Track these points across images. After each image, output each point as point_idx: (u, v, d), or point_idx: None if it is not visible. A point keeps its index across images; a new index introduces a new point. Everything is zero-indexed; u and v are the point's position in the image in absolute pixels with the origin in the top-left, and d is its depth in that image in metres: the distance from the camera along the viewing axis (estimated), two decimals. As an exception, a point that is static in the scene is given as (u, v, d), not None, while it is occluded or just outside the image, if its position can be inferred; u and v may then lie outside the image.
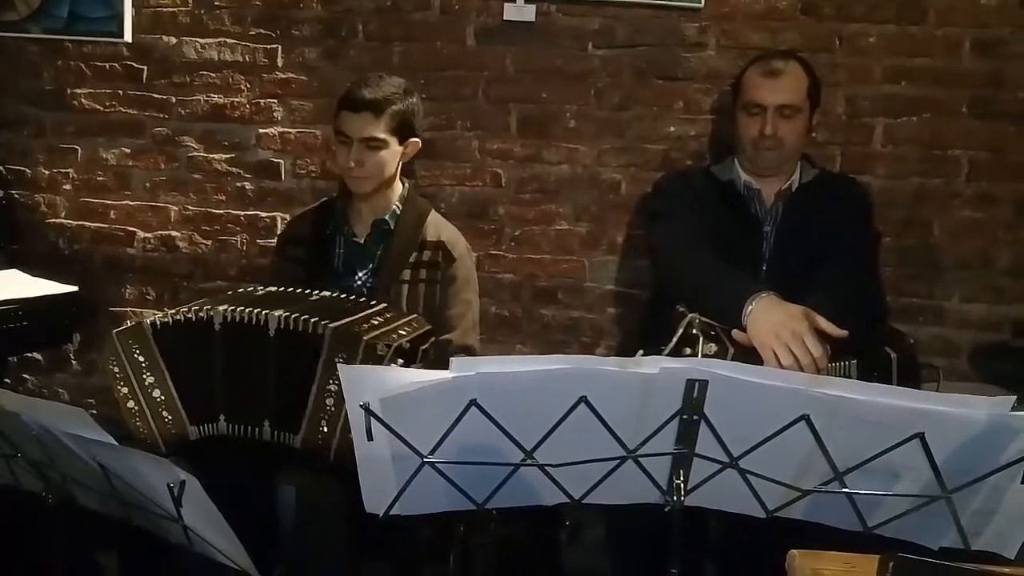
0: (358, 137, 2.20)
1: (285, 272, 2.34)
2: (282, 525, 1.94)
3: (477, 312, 2.37)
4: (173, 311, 1.94)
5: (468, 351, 2.28)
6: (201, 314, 1.92)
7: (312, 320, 1.86)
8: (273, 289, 2.11)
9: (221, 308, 1.91)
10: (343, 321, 1.88)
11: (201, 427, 1.94)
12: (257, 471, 1.96)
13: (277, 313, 1.88)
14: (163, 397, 1.92)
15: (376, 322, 1.91)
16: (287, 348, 1.88)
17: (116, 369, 1.92)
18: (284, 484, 2.00)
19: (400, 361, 1.84)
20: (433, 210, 2.40)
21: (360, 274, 2.31)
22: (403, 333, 1.89)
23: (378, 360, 1.80)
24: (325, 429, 1.85)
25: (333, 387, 1.84)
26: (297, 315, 1.88)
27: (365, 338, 1.83)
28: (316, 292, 2.06)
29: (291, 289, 2.08)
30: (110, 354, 1.92)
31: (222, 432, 1.93)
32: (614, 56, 2.70)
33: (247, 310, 1.90)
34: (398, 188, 2.35)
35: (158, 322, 1.92)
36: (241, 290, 2.31)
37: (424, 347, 1.95)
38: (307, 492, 1.94)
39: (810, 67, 2.34)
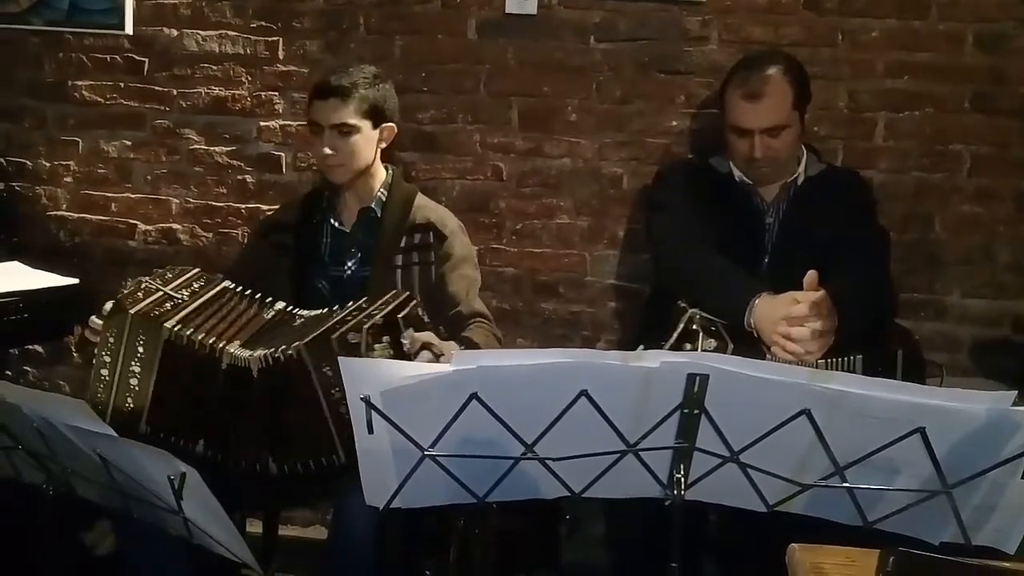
0: (328, 124, 2.21)
1: (269, 259, 2.32)
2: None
3: (478, 284, 2.35)
4: (188, 328, 1.91)
5: (481, 315, 2.27)
6: (207, 350, 1.89)
7: (283, 349, 1.85)
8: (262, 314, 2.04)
9: (232, 350, 1.88)
10: (312, 335, 1.85)
11: (163, 436, 1.91)
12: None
13: (258, 353, 1.86)
14: (137, 389, 1.92)
15: (350, 319, 1.86)
16: (275, 384, 1.86)
17: (111, 340, 1.92)
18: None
19: (385, 339, 1.82)
20: (419, 192, 2.39)
21: (349, 264, 2.30)
22: (374, 313, 1.86)
23: (355, 348, 1.78)
24: None
25: (338, 394, 1.81)
26: (273, 350, 1.86)
27: (333, 336, 1.81)
28: (299, 314, 2.02)
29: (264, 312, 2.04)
30: (115, 325, 1.92)
31: (199, 455, 1.88)
32: (616, 50, 2.70)
33: (270, 353, 1.86)
34: (381, 175, 2.35)
35: (174, 336, 1.90)
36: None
37: (402, 315, 1.89)
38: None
39: (795, 69, 2.28)
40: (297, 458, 1.87)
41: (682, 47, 2.68)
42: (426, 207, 2.35)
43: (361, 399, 1.28)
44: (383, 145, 2.32)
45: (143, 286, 1.99)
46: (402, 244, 2.27)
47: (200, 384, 1.91)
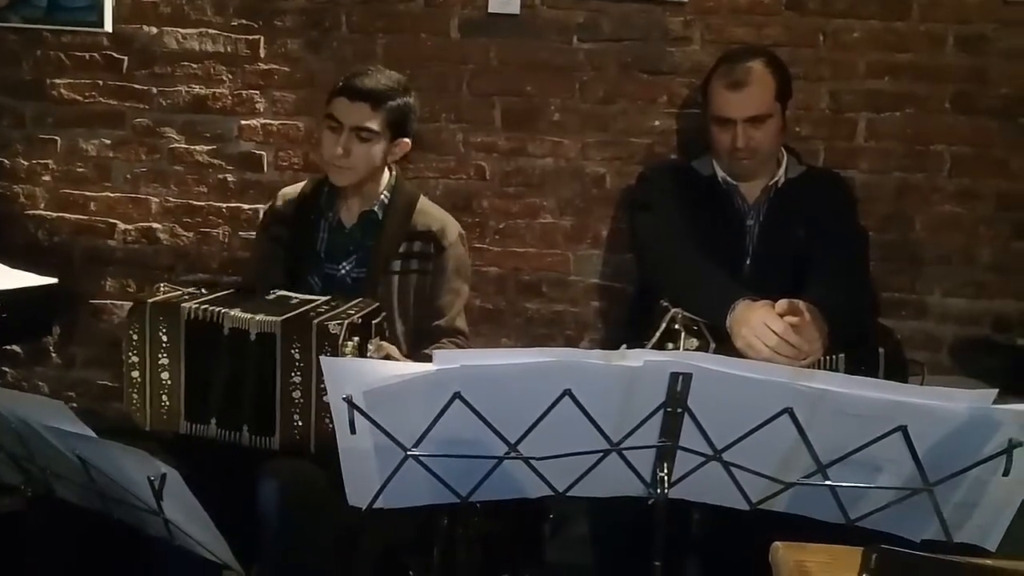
0: (350, 125, 2.17)
1: (268, 252, 2.33)
2: (264, 518, 1.93)
3: (465, 298, 2.35)
4: (200, 303, 1.93)
5: (460, 333, 2.29)
6: (211, 317, 1.91)
7: (258, 318, 1.88)
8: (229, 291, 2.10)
9: (232, 313, 1.90)
10: (290, 314, 1.89)
11: (193, 425, 1.93)
12: (238, 464, 1.95)
13: (259, 317, 1.89)
14: (169, 382, 1.92)
15: (323, 309, 1.92)
16: (264, 352, 1.88)
17: (135, 337, 1.92)
18: (266, 477, 1.95)
19: (356, 339, 1.85)
20: (422, 196, 2.36)
21: (344, 263, 2.26)
22: (352, 312, 1.91)
23: (333, 339, 1.82)
24: (300, 423, 1.85)
25: (296, 379, 1.85)
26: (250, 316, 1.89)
27: (316, 321, 1.84)
28: (273, 292, 2.07)
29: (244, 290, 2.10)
30: (135, 320, 1.92)
31: (211, 436, 1.92)
32: (599, 50, 2.70)
33: (250, 317, 1.89)
34: (384, 176, 2.31)
35: (193, 312, 1.91)
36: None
37: (376, 321, 1.96)
38: (290, 483, 1.91)
39: (777, 63, 2.30)
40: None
41: (665, 47, 2.68)
42: (428, 213, 2.31)
43: (343, 399, 1.27)
44: (392, 159, 2.29)
45: (161, 289, 2.03)
46: (401, 250, 2.25)
47: (212, 358, 1.91)
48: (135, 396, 1.93)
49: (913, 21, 2.61)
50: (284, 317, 1.87)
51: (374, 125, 2.18)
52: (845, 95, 2.66)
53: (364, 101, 2.17)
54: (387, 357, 1.95)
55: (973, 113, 2.63)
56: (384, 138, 2.21)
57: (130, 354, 1.92)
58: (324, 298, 2.01)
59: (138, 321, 1.92)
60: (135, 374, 1.92)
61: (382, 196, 2.29)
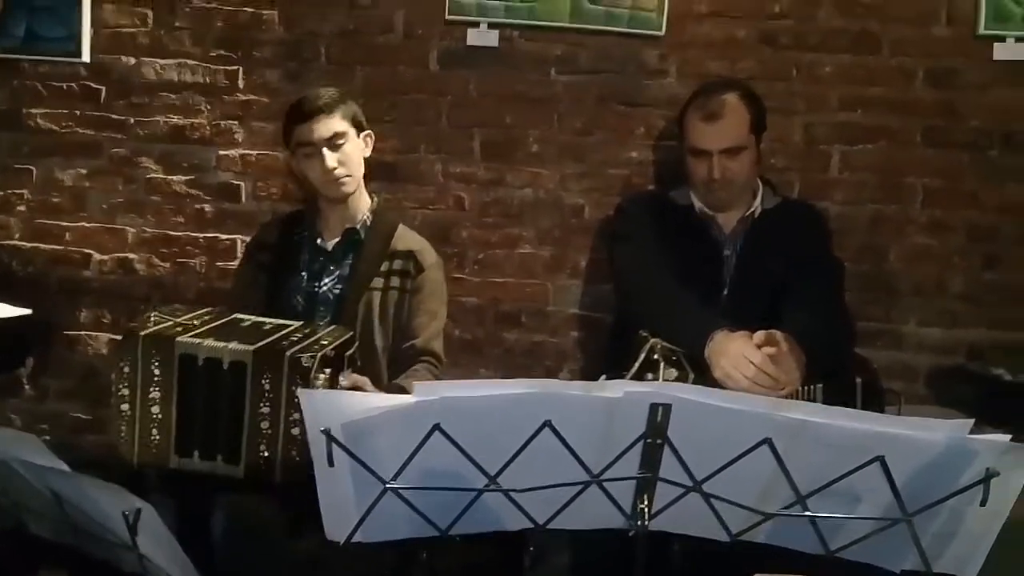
0: (322, 140, 2.21)
1: (251, 277, 2.35)
2: (215, 551, 1.89)
3: (442, 323, 2.37)
4: (193, 336, 1.89)
5: (433, 355, 2.30)
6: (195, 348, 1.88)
7: (230, 347, 1.86)
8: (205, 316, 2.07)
9: (206, 342, 1.87)
10: (262, 342, 1.87)
11: (182, 460, 1.89)
12: (204, 495, 1.93)
13: (231, 346, 1.86)
14: (160, 416, 1.87)
15: (296, 338, 1.91)
16: (236, 381, 1.85)
17: (126, 369, 1.87)
18: (216, 510, 1.94)
19: (328, 370, 1.84)
20: (401, 223, 2.41)
21: (326, 280, 2.30)
22: (325, 343, 1.90)
23: (305, 372, 1.81)
24: (266, 453, 1.83)
25: (265, 409, 1.83)
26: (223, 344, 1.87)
27: (288, 353, 1.83)
28: (247, 319, 2.05)
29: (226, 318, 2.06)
30: (127, 353, 1.87)
31: (195, 469, 1.88)
32: (576, 82, 2.73)
33: (223, 346, 1.87)
34: (367, 199, 2.36)
35: (188, 349, 1.86)
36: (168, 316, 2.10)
37: (349, 353, 1.97)
38: (239, 517, 1.90)
39: (751, 96, 2.34)
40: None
41: (641, 80, 2.71)
42: (408, 237, 2.36)
43: (321, 432, 1.26)
44: (367, 153, 2.34)
45: (152, 318, 1.97)
46: (382, 268, 2.29)
47: (199, 392, 1.88)
48: (123, 429, 1.88)
49: (883, 56, 2.66)
50: (256, 347, 1.85)
51: (340, 128, 2.24)
52: (819, 128, 2.70)
53: (319, 114, 2.22)
54: (357, 389, 1.94)
55: (944, 146, 2.67)
56: (352, 135, 2.27)
57: (120, 387, 1.87)
58: (297, 324, 2.01)
59: (130, 354, 1.87)
60: (125, 407, 1.87)
61: (364, 218, 2.33)
